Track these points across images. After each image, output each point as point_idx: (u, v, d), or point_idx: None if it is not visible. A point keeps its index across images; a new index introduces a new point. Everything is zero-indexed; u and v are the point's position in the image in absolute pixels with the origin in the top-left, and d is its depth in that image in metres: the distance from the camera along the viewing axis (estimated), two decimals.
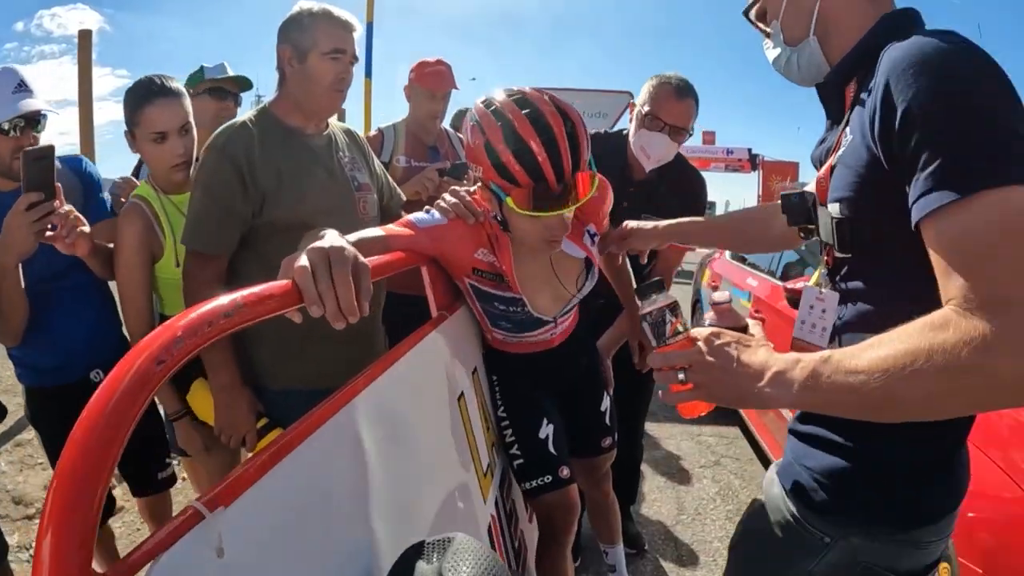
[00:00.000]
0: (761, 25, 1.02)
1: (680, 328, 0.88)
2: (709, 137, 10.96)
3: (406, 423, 1.09)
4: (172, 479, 1.96)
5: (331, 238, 0.87)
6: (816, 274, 1.00)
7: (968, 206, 0.64)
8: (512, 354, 1.63)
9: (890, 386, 0.65)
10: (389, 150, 2.49)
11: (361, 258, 0.85)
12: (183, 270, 1.54)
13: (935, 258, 0.67)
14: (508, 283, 1.43)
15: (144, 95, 1.62)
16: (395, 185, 1.98)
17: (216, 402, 1.55)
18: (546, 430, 1.60)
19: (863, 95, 0.81)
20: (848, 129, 0.85)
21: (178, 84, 1.69)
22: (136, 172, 2.18)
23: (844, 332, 0.89)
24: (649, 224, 1.56)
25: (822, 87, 0.96)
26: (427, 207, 1.44)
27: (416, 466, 1.10)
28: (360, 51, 1.68)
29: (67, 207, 1.39)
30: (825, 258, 0.94)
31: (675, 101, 1.96)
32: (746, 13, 1.03)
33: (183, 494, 2.66)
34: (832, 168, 0.88)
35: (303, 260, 0.81)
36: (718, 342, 0.82)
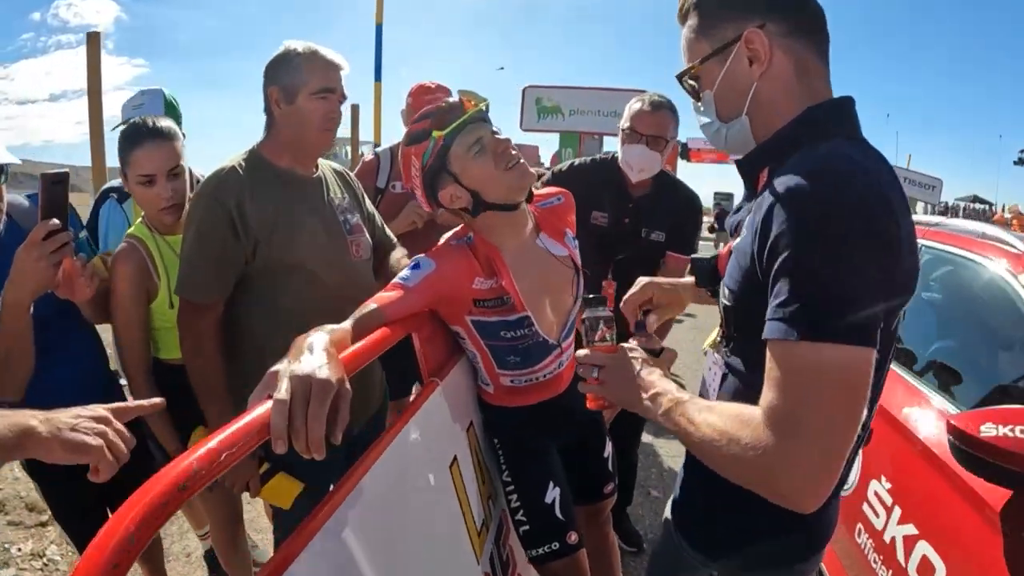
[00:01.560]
0: (693, 90, 1.02)
1: (608, 337, 1.11)
2: None
3: (396, 517, 1.08)
4: None
5: (317, 356, 0.86)
6: (713, 334, 1.17)
7: (794, 348, 0.75)
8: (519, 408, 1.60)
9: (702, 447, 0.84)
10: (385, 175, 2.45)
11: (345, 382, 0.85)
12: (178, 320, 1.54)
13: (767, 368, 0.78)
14: (512, 300, 1.42)
15: (133, 138, 1.62)
16: (386, 226, 1.96)
17: None
18: (552, 494, 1.57)
19: (765, 193, 0.85)
20: (748, 220, 0.91)
21: (171, 125, 1.67)
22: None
23: (720, 397, 1.04)
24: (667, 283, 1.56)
25: (739, 164, 1.00)
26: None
27: (406, 550, 1.09)
28: (350, 86, 1.66)
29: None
30: (721, 327, 1.07)
31: (649, 113, 2.16)
32: (680, 78, 1.03)
33: (175, 524, 2.69)
34: (730, 251, 0.99)
35: (283, 390, 0.79)
36: (630, 355, 1.05)
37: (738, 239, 0.95)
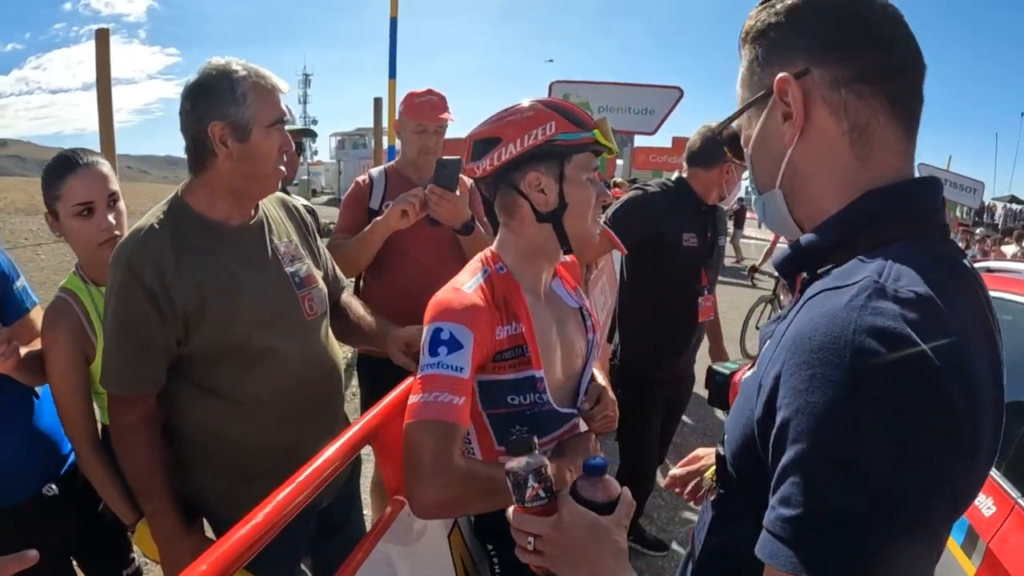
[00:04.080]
0: (735, 155, 0.79)
1: (541, 494, 0.84)
2: None
3: None
4: (138, 574, 1.81)
5: None
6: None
7: None
8: None
9: None
10: (379, 196, 2.22)
11: None
12: (108, 412, 1.34)
13: None
14: (528, 352, 1.21)
15: (65, 167, 1.46)
16: (337, 266, 1.72)
17: (160, 552, 1.36)
18: None
19: (794, 310, 0.63)
20: (766, 348, 0.67)
21: (97, 157, 1.52)
22: None
23: (703, 551, 0.80)
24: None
25: (782, 263, 0.76)
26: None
27: None
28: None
29: None
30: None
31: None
32: (719, 133, 0.78)
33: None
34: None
35: None
36: (571, 523, 0.80)
37: (749, 372, 0.72)
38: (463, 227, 2.03)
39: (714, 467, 0.87)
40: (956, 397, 0.51)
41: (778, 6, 0.69)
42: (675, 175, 2.57)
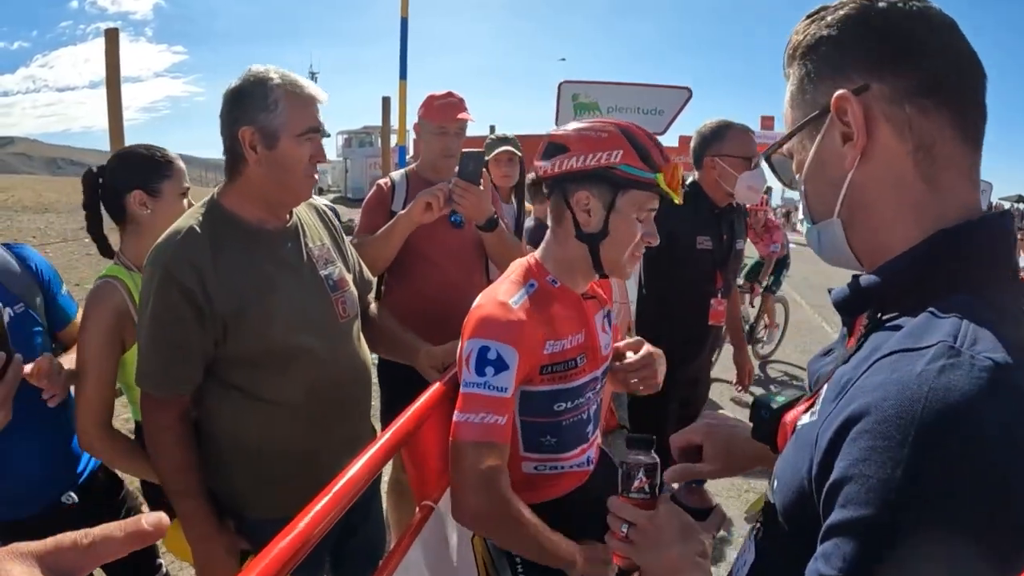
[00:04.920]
0: (785, 178, 0.75)
1: (646, 489, 0.92)
2: (768, 122, 10.24)
3: None
4: None
5: None
6: (756, 501, 0.95)
7: None
8: (543, 504, 1.34)
9: None
10: (401, 199, 2.21)
11: None
12: (141, 410, 1.34)
13: None
14: (586, 360, 1.28)
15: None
16: (364, 266, 1.75)
17: (194, 553, 1.37)
18: None
19: (859, 357, 0.60)
20: (826, 394, 0.62)
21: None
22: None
23: None
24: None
25: (831, 294, 0.70)
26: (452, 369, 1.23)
27: None
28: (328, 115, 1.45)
29: (40, 361, 1.28)
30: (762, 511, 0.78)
31: (742, 133, 2.33)
32: (768, 158, 0.76)
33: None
34: (795, 427, 0.68)
35: None
36: (666, 520, 0.86)
37: (806, 417, 0.66)
38: (487, 223, 2.02)
39: (758, 501, 0.86)
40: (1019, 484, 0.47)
41: (829, 18, 0.65)
42: (689, 178, 2.56)
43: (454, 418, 1.14)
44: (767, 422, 0.90)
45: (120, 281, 1.48)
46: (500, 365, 1.13)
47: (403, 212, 2.00)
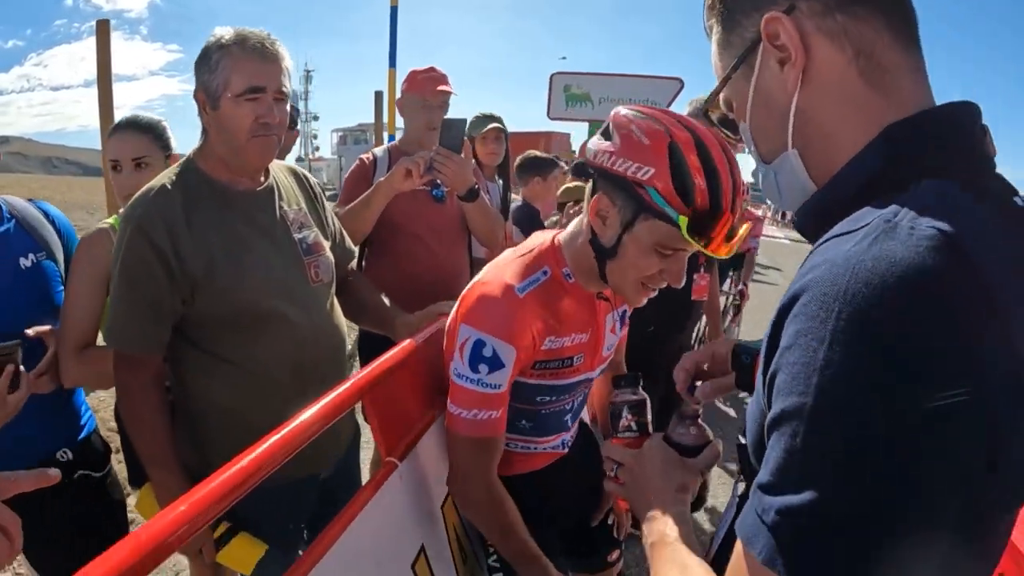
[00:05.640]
0: (727, 131, 0.75)
1: (633, 427, 0.92)
2: None
3: None
4: None
5: None
6: None
7: (755, 569, 0.47)
8: (514, 478, 1.33)
9: None
10: (383, 174, 2.14)
11: None
12: (115, 373, 1.31)
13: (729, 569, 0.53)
14: (583, 361, 1.21)
15: (114, 127, 1.62)
16: (346, 234, 1.71)
17: None
18: None
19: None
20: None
21: (154, 121, 1.63)
22: None
23: (720, 549, 0.74)
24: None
25: (797, 226, 0.66)
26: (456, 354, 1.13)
27: None
28: (294, 82, 1.41)
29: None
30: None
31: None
32: (707, 112, 0.75)
33: None
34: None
35: None
36: (648, 456, 0.86)
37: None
38: (468, 193, 1.99)
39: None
40: (973, 374, 0.42)
41: None
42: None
43: (448, 406, 1.12)
44: (747, 367, 0.88)
45: (115, 230, 1.48)
46: (495, 363, 1.07)
47: (383, 179, 1.97)
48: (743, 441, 0.67)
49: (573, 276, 1.17)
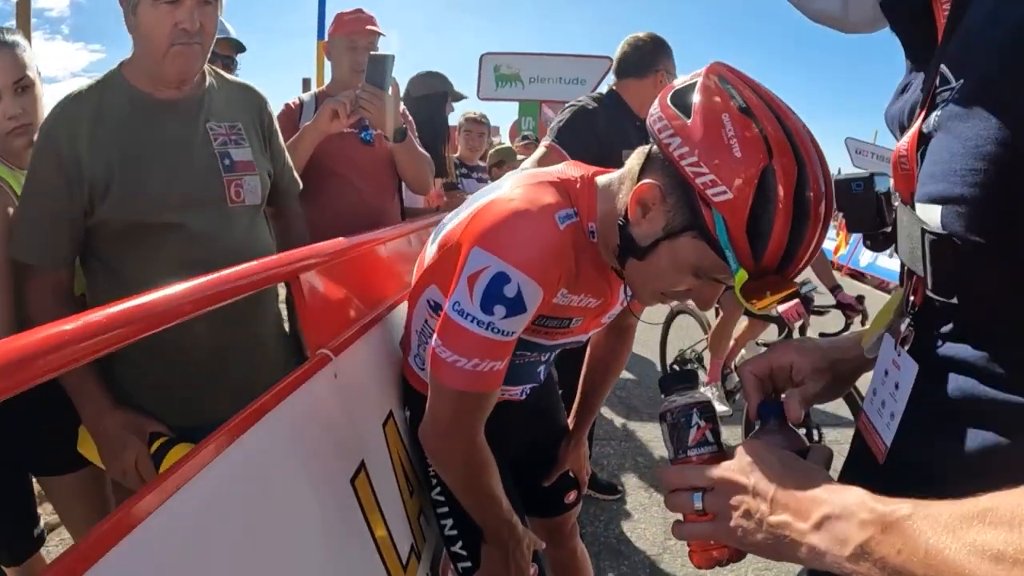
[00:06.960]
0: None
1: (709, 437, 0.64)
2: None
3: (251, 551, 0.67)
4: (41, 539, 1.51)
5: None
6: (891, 311, 0.63)
7: None
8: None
9: None
10: (310, 119, 2.04)
11: None
12: (24, 290, 1.22)
13: None
14: (579, 323, 1.06)
15: None
16: (294, 170, 1.61)
17: (92, 436, 1.21)
18: None
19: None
20: (949, 66, 0.50)
21: (16, 36, 1.38)
22: None
23: (928, 431, 0.55)
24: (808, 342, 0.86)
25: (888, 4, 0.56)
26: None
27: None
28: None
29: None
30: (911, 296, 0.59)
31: None
32: None
33: None
34: (923, 138, 0.52)
35: None
36: (762, 454, 0.55)
37: (939, 109, 0.50)
38: (396, 132, 1.91)
39: (883, 316, 0.61)
40: None
41: None
42: (605, 88, 2.42)
43: (436, 348, 0.89)
44: (861, 196, 0.67)
45: (4, 182, 1.33)
46: (516, 306, 0.85)
47: (310, 123, 1.87)
48: (940, 230, 0.50)
49: (596, 235, 0.95)
